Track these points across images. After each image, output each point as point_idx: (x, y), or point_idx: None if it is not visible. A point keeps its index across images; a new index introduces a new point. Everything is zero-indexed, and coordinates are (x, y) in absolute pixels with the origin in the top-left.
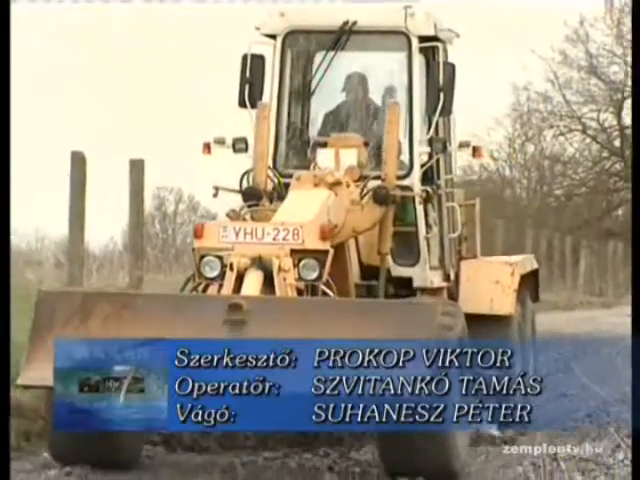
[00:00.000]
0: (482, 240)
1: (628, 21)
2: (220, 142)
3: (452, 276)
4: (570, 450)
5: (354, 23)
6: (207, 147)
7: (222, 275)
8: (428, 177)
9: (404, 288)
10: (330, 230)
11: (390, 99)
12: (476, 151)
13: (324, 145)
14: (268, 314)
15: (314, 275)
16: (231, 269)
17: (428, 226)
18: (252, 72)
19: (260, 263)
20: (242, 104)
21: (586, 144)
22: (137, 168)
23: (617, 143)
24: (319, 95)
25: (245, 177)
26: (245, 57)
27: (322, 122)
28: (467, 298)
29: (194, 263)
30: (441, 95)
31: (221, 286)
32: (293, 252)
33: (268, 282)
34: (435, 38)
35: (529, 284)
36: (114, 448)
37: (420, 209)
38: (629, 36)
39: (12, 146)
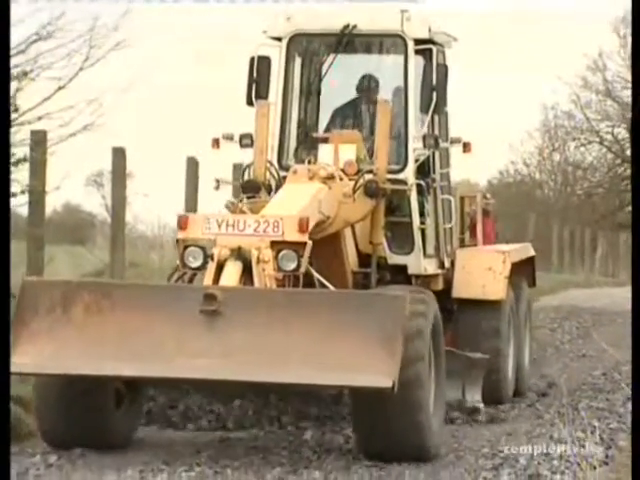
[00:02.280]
0: (517, 230)
1: None
2: (229, 138)
3: (447, 264)
4: (589, 401)
5: (354, 27)
6: (216, 142)
7: (205, 265)
8: (425, 171)
9: (400, 275)
10: (308, 223)
11: (381, 97)
12: (466, 147)
13: (325, 141)
14: (242, 304)
15: (293, 266)
16: (212, 260)
17: (423, 217)
18: (259, 73)
19: (240, 254)
20: (249, 103)
21: (602, 153)
22: (192, 165)
23: (628, 152)
24: (324, 94)
25: (246, 171)
26: (252, 59)
27: (329, 119)
28: (461, 284)
29: (178, 253)
30: (434, 94)
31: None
32: (273, 244)
33: (248, 273)
34: (430, 41)
35: (525, 271)
36: (106, 428)
37: (414, 201)
38: None
39: (139, 150)
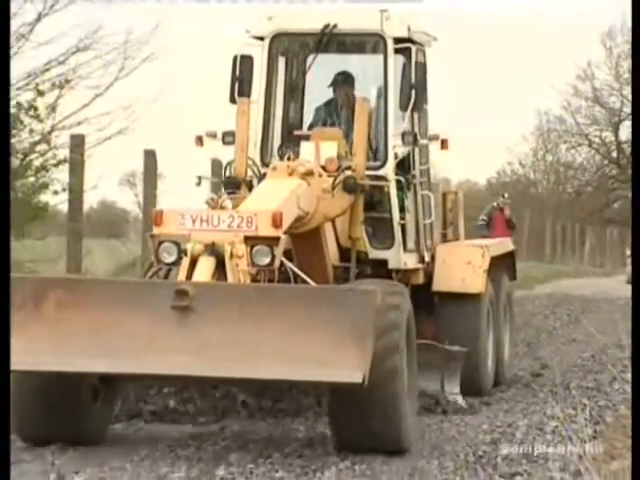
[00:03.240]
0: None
1: (625, 63)
2: (212, 135)
3: (427, 258)
4: (579, 381)
5: (334, 26)
6: (199, 140)
7: (179, 261)
8: (405, 168)
9: (381, 269)
10: (282, 218)
11: (360, 95)
12: (444, 143)
13: (307, 138)
14: (214, 300)
15: (266, 261)
16: (186, 255)
17: (403, 212)
18: (241, 71)
19: (213, 249)
20: (232, 100)
21: (591, 155)
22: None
23: (614, 154)
24: (308, 92)
25: (228, 167)
26: (235, 57)
27: (314, 114)
28: (441, 278)
29: (152, 249)
30: (413, 92)
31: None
32: (247, 239)
33: (222, 268)
34: (409, 40)
35: (505, 265)
36: (83, 424)
37: (394, 197)
38: (625, 75)
39: (169, 152)
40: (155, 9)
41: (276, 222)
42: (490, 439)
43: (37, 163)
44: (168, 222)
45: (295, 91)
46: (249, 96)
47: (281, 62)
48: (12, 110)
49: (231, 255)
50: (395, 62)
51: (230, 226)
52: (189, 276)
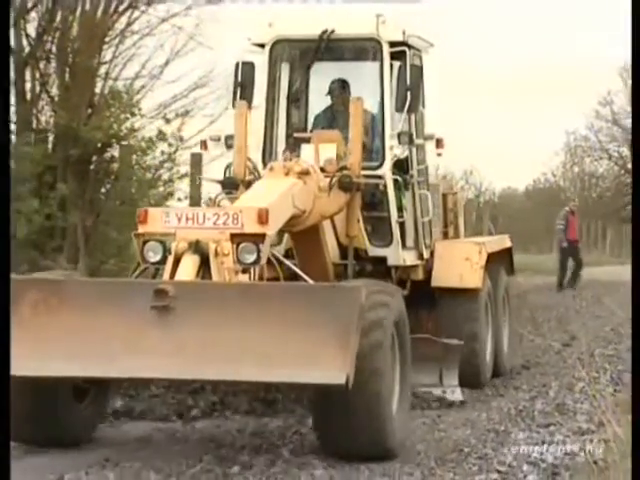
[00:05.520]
0: (544, 227)
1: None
2: (215, 139)
3: (426, 255)
4: (601, 350)
5: (332, 32)
6: (204, 144)
7: (165, 260)
8: (403, 168)
9: (380, 266)
10: (268, 215)
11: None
12: (439, 142)
13: (307, 141)
14: (194, 299)
15: (252, 258)
16: (170, 254)
17: (401, 211)
18: (243, 77)
19: (197, 247)
20: (235, 106)
21: (610, 167)
22: None
23: (629, 166)
24: (311, 95)
25: (227, 169)
26: (237, 64)
27: (313, 121)
28: (440, 274)
29: (137, 248)
30: (408, 94)
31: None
32: (233, 236)
33: (206, 266)
34: (404, 43)
35: (502, 261)
36: (65, 424)
37: (392, 196)
38: None
39: None
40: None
41: (262, 219)
42: (528, 397)
43: (165, 177)
44: (153, 221)
45: (297, 95)
46: (251, 101)
47: (282, 67)
48: (149, 134)
49: (216, 253)
50: (391, 65)
51: (216, 224)
52: (173, 275)
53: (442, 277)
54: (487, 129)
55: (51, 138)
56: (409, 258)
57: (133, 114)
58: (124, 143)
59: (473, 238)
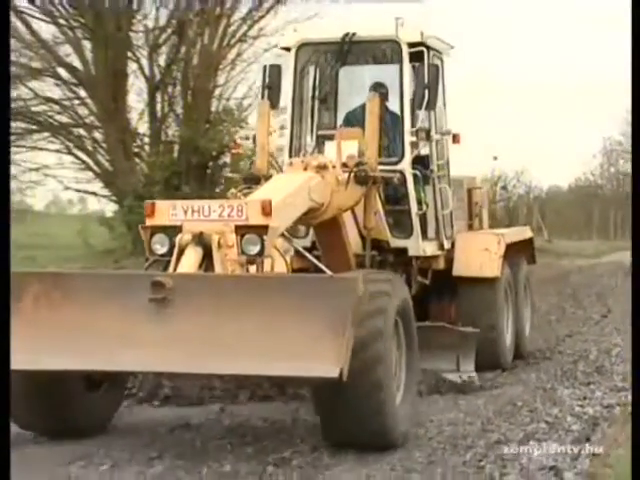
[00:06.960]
0: (584, 219)
1: None
2: (245, 138)
3: (447, 245)
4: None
5: (353, 34)
6: (235, 143)
7: (171, 252)
8: (424, 163)
9: (401, 257)
10: (272, 206)
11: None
12: (455, 138)
13: (331, 138)
14: (192, 291)
15: (256, 250)
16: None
17: (421, 204)
18: (270, 79)
19: (200, 239)
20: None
21: None
22: None
23: None
24: (339, 96)
25: (251, 165)
26: (265, 67)
27: (344, 119)
28: (460, 263)
29: (145, 240)
30: (426, 92)
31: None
32: (238, 228)
33: (210, 259)
34: (422, 44)
35: (524, 250)
36: (76, 414)
37: (412, 190)
38: None
39: None
40: None
41: (266, 210)
42: (572, 360)
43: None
44: (160, 214)
45: (324, 95)
46: (278, 102)
47: (308, 69)
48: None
49: (220, 245)
50: (413, 67)
51: (221, 216)
52: (177, 267)
53: (462, 267)
54: (536, 135)
55: (176, 148)
56: (430, 249)
57: (242, 127)
58: (234, 152)
59: (494, 230)
